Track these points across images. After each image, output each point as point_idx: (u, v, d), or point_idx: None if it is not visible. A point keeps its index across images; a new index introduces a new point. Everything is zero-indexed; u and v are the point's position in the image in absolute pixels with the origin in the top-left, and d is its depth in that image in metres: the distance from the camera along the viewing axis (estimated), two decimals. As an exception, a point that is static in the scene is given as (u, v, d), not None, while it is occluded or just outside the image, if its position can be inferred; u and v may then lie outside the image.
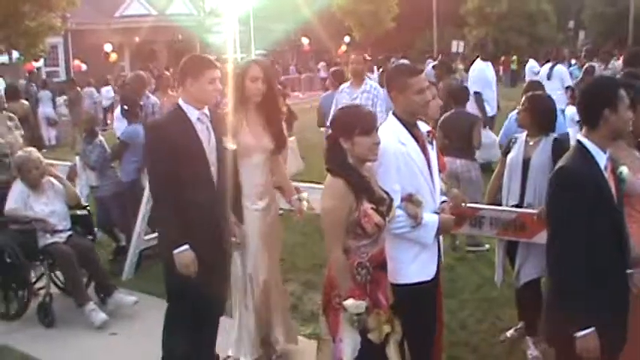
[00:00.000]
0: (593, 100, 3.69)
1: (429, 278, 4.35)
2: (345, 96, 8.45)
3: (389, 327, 3.96)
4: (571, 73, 14.26)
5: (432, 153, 4.46)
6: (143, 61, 33.55)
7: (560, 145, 5.46)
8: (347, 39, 47.06)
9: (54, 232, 6.85)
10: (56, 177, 7.27)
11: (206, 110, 4.83)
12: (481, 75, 11.85)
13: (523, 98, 5.91)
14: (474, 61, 12.90)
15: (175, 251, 4.59)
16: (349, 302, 3.78)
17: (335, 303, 3.89)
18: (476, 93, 11.41)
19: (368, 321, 3.85)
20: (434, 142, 4.55)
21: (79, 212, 7.36)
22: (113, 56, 39.40)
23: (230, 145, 5.05)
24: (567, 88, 12.64)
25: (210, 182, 4.79)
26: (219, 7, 44.89)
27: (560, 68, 13.51)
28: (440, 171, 4.69)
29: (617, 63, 14.13)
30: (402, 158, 4.20)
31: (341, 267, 3.84)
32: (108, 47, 39.24)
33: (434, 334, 4.52)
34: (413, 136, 4.33)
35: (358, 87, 8.43)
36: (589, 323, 3.50)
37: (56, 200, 7.00)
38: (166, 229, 4.80)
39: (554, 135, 5.59)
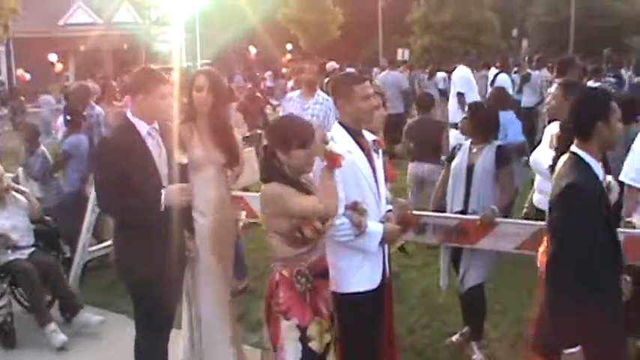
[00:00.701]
0: (586, 113, 3.71)
1: (373, 287, 4.34)
2: (296, 105, 8.08)
3: (330, 336, 3.99)
4: (513, 81, 14.59)
5: (378, 162, 4.48)
6: (89, 70, 33.12)
7: (503, 153, 5.58)
8: (289, 46, 47.03)
9: (15, 248, 6.60)
10: (18, 191, 7.00)
11: (156, 124, 4.72)
12: (466, 78, 12.10)
13: (466, 107, 6.00)
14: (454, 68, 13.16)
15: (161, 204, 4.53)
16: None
17: (275, 312, 3.90)
18: (459, 94, 11.66)
19: (309, 330, 3.87)
20: (379, 151, 4.57)
21: (43, 228, 7.11)
22: (59, 66, 38.75)
23: (181, 158, 4.99)
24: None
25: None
26: (165, 16, 44.52)
27: (503, 76, 13.89)
28: (386, 180, 4.71)
29: (543, 71, 14.41)
30: (347, 166, 4.15)
31: (321, 207, 3.86)
32: (53, 57, 38.56)
33: (378, 344, 4.51)
34: (358, 144, 4.35)
35: (309, 97, 8.07)
36: (577, 342, 3.50)
37: (18, 215, 6.75)
38: (127, 228, 4.70)
39: (498, 142, 5.69)
